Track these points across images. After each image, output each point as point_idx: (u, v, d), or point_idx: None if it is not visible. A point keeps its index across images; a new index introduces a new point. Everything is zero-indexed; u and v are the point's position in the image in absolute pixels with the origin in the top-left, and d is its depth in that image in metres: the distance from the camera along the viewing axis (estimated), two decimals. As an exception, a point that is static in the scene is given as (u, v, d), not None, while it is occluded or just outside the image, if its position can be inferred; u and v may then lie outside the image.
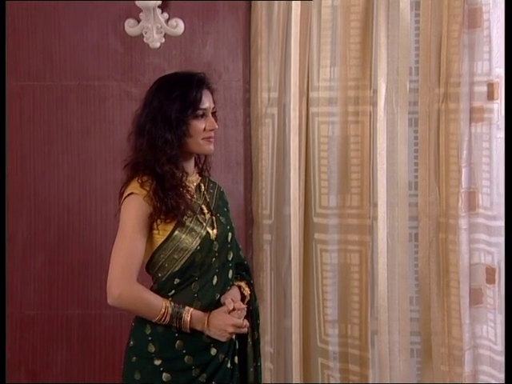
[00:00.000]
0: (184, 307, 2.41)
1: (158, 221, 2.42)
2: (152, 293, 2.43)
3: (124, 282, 2.37)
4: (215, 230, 2.49)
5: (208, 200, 2.54)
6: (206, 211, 2.51)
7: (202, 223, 2.47)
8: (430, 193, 3.19)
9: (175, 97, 2.44)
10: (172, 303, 2.41)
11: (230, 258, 2.53)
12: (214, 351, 2.45)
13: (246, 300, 2.55)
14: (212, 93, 2.53)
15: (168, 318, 2.39)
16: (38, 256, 3.42)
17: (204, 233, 2.46)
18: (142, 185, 2.42)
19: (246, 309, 2.47)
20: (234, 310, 2.42)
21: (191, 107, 2.45)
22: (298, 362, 3.33)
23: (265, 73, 3.40)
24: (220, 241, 2.50)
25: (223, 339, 2.42)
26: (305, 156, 3.34)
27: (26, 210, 3.42)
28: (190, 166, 2.54)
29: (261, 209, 3.44)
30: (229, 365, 2.49)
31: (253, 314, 2.58)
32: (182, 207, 2.42)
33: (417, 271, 3.25)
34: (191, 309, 2.41)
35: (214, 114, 2.53)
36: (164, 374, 2.42)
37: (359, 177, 3.30)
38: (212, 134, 2.50)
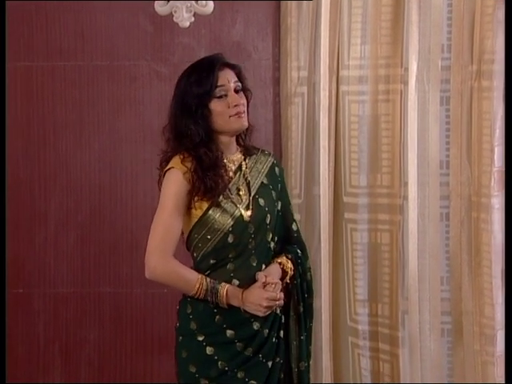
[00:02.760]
0: (220, 283, 2.38)
1: (196, 198, 2.39)
2: (187, 268, 2.41)
3: (159, 256, 2.37)
4: (249, 212, 2.42)
5: (249, 179, 2.46)
6: (242, 192, 2.44)
7: (235, 205, 2.41)
8: (461, 172, 3.11)
9: (192, 83, 2.41)
10: (207, 278, 2.38)
11: (269, 239, 2.46)
12: (256, 325, 2.41)
13: (289, 275, 2.46)
14: (234, 70, 2.46)
15: (203, 293, 2.37)
16: (71, 235, 3.38)
17: (237, 214, 2.41)
18: (183, 160, 2.40)
19: (280, 283, 2.39)
20: (267, 284, 2.37)
21: (207, 89, 2.40)
22: (327, 341, 3.26)
23: (294, 51, 3.31)
24: (256, 223, 2.43)
25: (260, 314, 2.37)
26: (335, 135, 3.26)
27: (58, 189, 3.38)
28: (229, 145, 2.47)
29: (290, 188, 3.33)
30: (274, 339, 2.43)
31: (297, 288, 2.48)
32: (220, 188, 2.38)
33: (448, 251, 3.16)
34: (227, 284, 2.38)
35: (241, 90, 2.45)
36: (208, 348, 2.40)
37: (390, 156, 3.22)
38: (239, 109, 2.42)
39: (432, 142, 3.12)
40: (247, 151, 2.51)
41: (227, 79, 2.42)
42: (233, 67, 2.46)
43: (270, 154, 2.57)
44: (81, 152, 3.36)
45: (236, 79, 2.45)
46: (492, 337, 3.04)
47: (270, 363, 2.42)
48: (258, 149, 2.56)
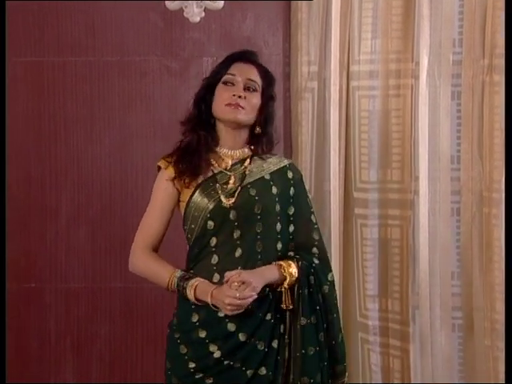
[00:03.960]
0: (193, 278, 2.32)
1: (183, 189, 2.39)
2: (163, 263, 2.39)
3: (138, 251, 2.41)
4: (232, 199, 2.35)
5: (246, 173, 2.39)
6: (232, 181, 2.38)
7: (217, 192, 2.36)
8: (473, 167, 3.07)
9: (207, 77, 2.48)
10: (180, 273, 2.34)
11: (258, 230, 2.35)
12: (231, 327, 2.31)
13: (288, 281, 2.32)
14: (260, 70, 2.43)
15: (174, 286, 2.35)
16: (82, 230, 3.35)
17: (217, 200, 2.35)
18: (165, 157, 2.43)
19: (250, 283, 2.23)
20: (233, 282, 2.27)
21: (217, 72, 2.42)
22: (337, 336, 3.21)
23: (305, 46, 3.27)
24: (240, 210, 2.34)
25: (227, 312, 2.27)
26: (345, 130, 3.22)
27: (69, 184, 3.35)
28: (230, 138, 2.41)
29: (301, 183, 3.30)
30: (262, 347, 2.31)
31: (304, 298, 2.32)
32: (193, 170, 2.36)
33: (459, 246, 3.13)
34: (200, 279, 2.31)
35: (256, 91, 2.40)
36: (181, 347, 2.36)
37: (400, 151, 3.18)
38: (238, 101, 2.36)
39: (443, 137, 3.08)
40: (258, 154, 2.43)
41: (240, 71, 2.39)
42: (259, 67, 2.43)
43: (285, 159, 2.49)
44: (92, 147, 3.33)
45: (255, 78, 2.40)
46: (503, 332, 2.96)
47: (250, 372, 2.29)
48: (275, 155, 2.48)
